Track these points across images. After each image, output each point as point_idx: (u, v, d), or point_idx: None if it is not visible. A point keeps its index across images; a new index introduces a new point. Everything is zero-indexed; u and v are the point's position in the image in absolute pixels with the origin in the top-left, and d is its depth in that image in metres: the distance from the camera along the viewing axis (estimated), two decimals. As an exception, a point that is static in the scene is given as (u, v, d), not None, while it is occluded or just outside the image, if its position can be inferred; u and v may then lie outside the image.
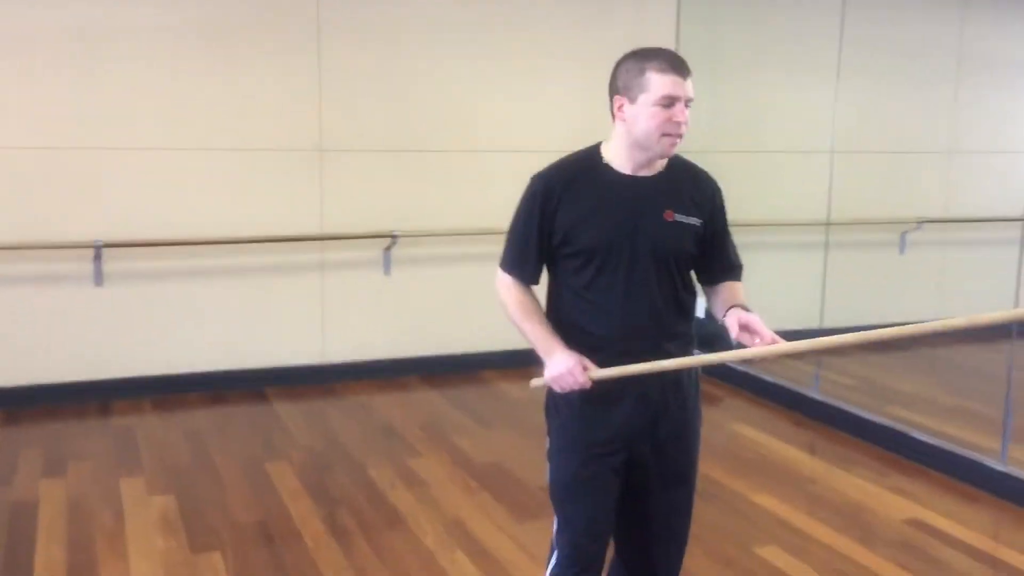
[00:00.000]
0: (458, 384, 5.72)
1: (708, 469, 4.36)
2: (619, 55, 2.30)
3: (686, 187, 2.34)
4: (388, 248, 5.68)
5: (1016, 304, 4.33)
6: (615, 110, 2.28)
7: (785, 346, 2.17)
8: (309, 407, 5.28)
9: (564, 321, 2.34)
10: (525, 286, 2.38)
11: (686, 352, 2.36)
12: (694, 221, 2.31)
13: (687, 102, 2.21)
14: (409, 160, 5.68)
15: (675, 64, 2.20)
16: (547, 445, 2.44)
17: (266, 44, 5.31)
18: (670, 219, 2.28)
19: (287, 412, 5.16)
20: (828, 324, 5.49)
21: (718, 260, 2.42)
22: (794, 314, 5.89)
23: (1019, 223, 4.38)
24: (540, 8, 5.82)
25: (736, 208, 2.49)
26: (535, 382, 2.36)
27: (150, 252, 5.21)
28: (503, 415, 5.18)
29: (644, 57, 2.22)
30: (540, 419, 2.48)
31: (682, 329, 2.37)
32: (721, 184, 2.42)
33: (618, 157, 2.30)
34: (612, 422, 2.32)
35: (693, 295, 2.41)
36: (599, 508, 2.36)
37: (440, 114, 5.70)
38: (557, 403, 2.39)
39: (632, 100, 2.22)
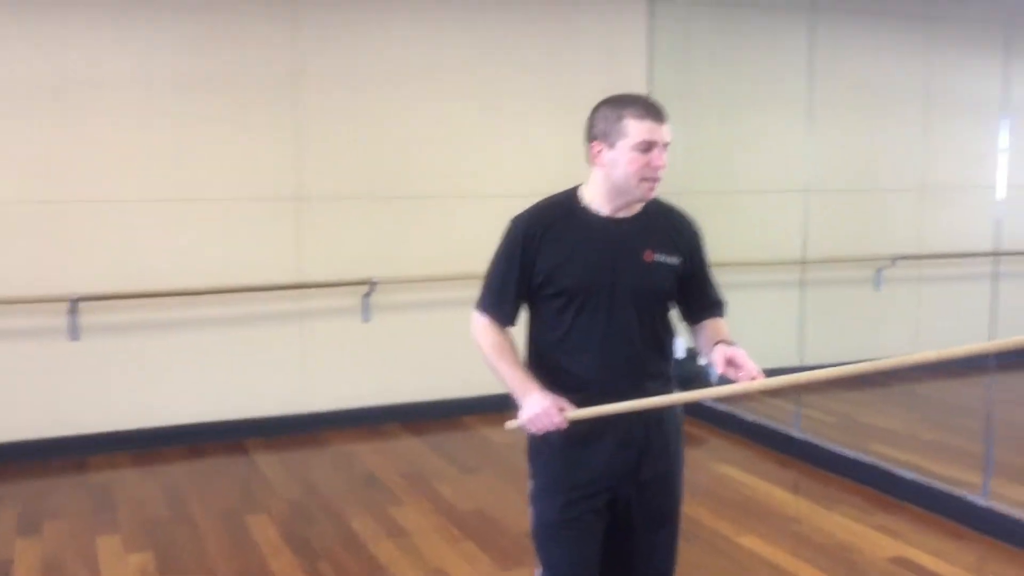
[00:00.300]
0: (440, 430, 5.68)
1: (692, 511, 4.33)
2: (594, 100, 2.33)
3: (664, 227, 2.38)
4: (367, 295, 5.67)
5: (989, 337, 4.36)
6: (593, 156, 2.31)
7: (762, 382, 2.19)
8: (289, 457, 5.22)
9: (544, 362, 2.35)
10: (501, 327, 2.39)
11: (666, 392, 2.37)
12: (673, 260, 2.35)
13: (664, 146, 2.25)
14: (386, 207, 5.70)
15: (652, 110, 2.24)
16: (529, 488, 2.44)
17: (243, 93, 5.33)
18: (649, 259, 2.32)
19: (267, 463, 5.10)
20: (807, 362, 5.50)
21: (700, 298, 2.46)
22: (773, 353, 5.89)
23: (990, 257, 4.43)
24: (515, 55, 5.89)
25: (713, 248, 2.52)
26: (511, 424, 2.36)
27: (126, 304, 5.18)
28: (486, 461, 5.14)
29: (621, 104, 2.26)
30: (523, 464, 2.47)
31: (662, 369, 2.39)
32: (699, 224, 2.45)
33: (597, 200, 2.33)
34: (594, 463, 2.33)
35: (672, 336, 2.42)
36: (583, 551, 2.35)
37: (416, 161, 5.73)
38: (539, 445, 2.39)
39: (611, 146, 2.26)
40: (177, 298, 5.25)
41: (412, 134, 5.70)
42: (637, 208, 2.35)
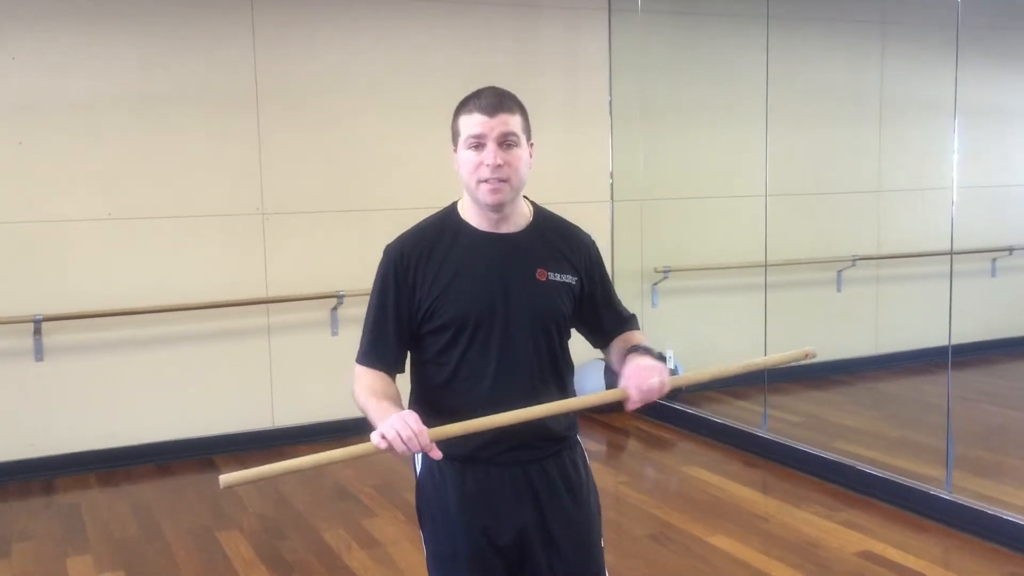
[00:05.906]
0: (410, 442, 5.67)
1: (663, 514, 4.39)
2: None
3: (555, 243, 2.11)
4: (335, 308, 5.67)
5: (950, 335, 4.46)
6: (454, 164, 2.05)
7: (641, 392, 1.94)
8: (260, 473, 5.19)
9: (427, 408, 2.00)
10: (382, 376, 2.04)
11: (568, 429, 2.12)
12: (569, 279, 2.08)
13: (500, 140, 1.98)
14: (352, 219, 5.70)
15: (481, 102, 2.00)
16: (425, 553, 2.15)
17: (204, 110, 5.32)
18: (543, 279, 2.05)
19: (237, 479, 5.07)
20: (772, 363, 5.58)
21: (608, 316, 2.20)
22: (738, 356, 5.99)
23: (947, 256, 4.53)
24: (479, 66, 5.92)
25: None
26: (259, 471, 1.84)
27: (91, 324, 5.14)
28: (457, 470, 5.15)
29: (461, 102, 2.05)
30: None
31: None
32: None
33: (470, 214, 2.08)
34: (494, 524, 2.05)
35: (571, 368, 2.16)
36: None
37: (382, 172, 5.74)
38: (431, 507, 2.10)
39: (455, 149, 2.05)
40: (142, 316, 5.22)
41: (376, 145, 5.71)
42: (522, 222, 2.07)
